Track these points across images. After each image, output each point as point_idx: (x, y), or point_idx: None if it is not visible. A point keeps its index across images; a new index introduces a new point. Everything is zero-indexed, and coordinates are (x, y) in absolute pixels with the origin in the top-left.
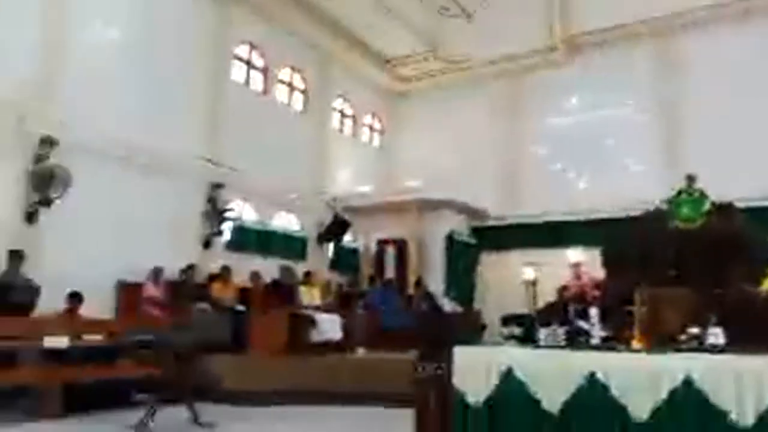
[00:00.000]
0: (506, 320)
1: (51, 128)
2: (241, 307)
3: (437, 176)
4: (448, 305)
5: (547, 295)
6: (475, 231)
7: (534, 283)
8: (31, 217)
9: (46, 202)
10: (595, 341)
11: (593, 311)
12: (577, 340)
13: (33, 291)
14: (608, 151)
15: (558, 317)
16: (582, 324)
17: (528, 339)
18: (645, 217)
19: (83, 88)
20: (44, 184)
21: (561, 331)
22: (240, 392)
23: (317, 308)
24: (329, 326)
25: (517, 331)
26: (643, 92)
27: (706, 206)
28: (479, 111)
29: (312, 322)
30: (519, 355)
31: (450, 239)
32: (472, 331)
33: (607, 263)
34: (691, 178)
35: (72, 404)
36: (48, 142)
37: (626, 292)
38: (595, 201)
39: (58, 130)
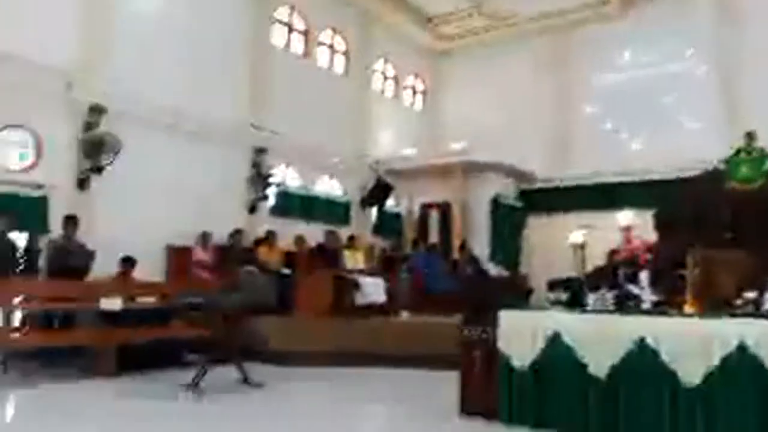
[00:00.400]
0: (553, 285)
1: (99, 96)
2: (286, 271)
3: (482, 138)
4: (493, 269)
5: (596, 258)
6: (522, 194)
7: (582, 246)
8: (83, 183)
9: (97, 169)
10: (645, 306)
11: (644, 275)
12: (626, 304)
13: (88, 255)
14: (663, 108)
15: (607, 281)
16: (632, 288)
17: (575, 303)
18: (700, 178)
19: (129, 56)
20: (95, 151)
21: (610, 295)
22: (286, 353)
23: (361, 272)
24: (373, 289)
25: (564, 295)
26: (700, 45)
27: (767, 166)
28: (525, 69)
29: (356, 286)
30: (566, 320)
31: (495, 202)
32: (517, 295)
33: (659, 226)
34: (750, 136)
35: (126, 363)
36: (97, 110)
37: (679, 255)
38: (649, 161)
39: (106, 98)
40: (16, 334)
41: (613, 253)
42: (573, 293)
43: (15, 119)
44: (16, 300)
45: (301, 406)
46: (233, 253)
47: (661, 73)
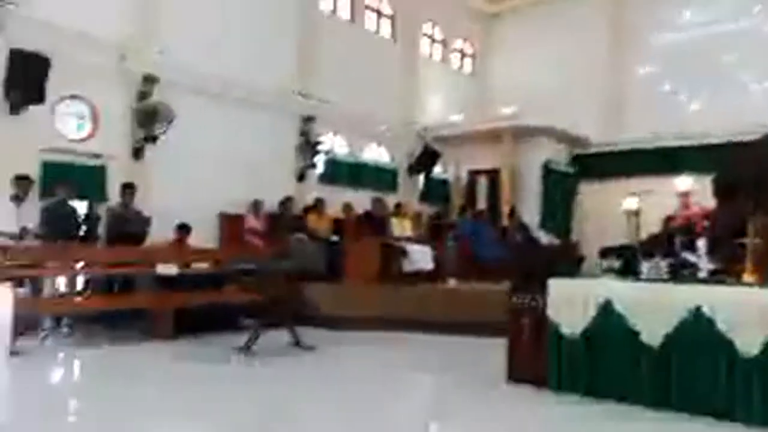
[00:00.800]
0: (605, 252)
1: (151, 67)
2: (335, 238)
3: (533, 102)
4: (543, 237)
5: (650, 225)
6: (574, 159)
7: (637, 213)
8: (138, 152)
9: (152, 138)
10: (702, 274)
11: (701, 243)
12: (681, 273)
13: (145, 222)
14: (724, 68)
15: (662, 249)
16: (688, 256)
17: (628, 271)
18: (762, 141)
19: (179, 26)
20: (148, 120)
21: (664, 263)
22: (336, 318)
23: (408, 239)
24: (420, 257)
25: (616, 263)
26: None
27: None
28: (579, 30)
29: (403, 253)
30: (618, 288)
31: (546, 168)
32: (568, 263)
33: (718, 192)
34: None
35: (182, 327)
36: (150, 80)
37: (738, 222)
38: (708, 124)
39: (158, 68)
40: (80, 299)
41: (668, 219)
42: (626, 261)
43: (73, 91)
44: (79, 266)
45: (351, 370)
46: (283, 221)
47: (724, 31)
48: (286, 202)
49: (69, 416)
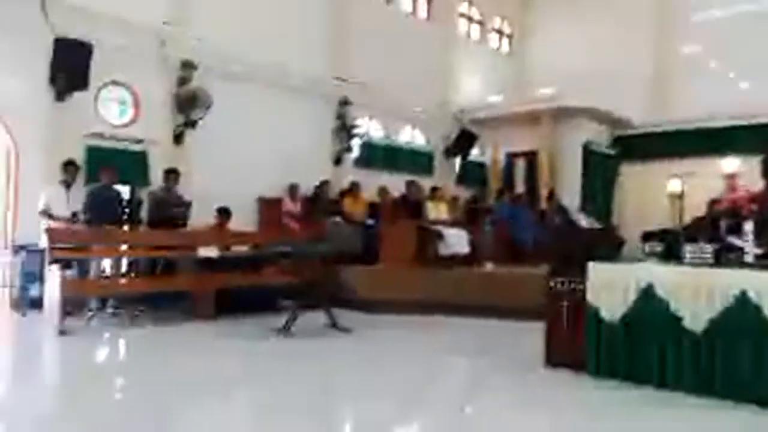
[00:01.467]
0: (647, 236)
1: (189, 52)
2: (370, 221)
3: (573, 82)
4: (583, 220)
5: (694, 209)
6: (616, 140)
7: (680, 196)
8: (178, 138)
9: (191, 124)
10: (748, 259)
11: (748, 226)
12: (726, 257)
13: (186, 206)
14: None
15: (706, 233)
16: (734, 240)
17: (671, 256)
18: None
19: (216, 11)
20: (188, 106)
21: (709, 247)
22: (372, 301)
23: (444, 223)
24: (456, 240)
25: (658, 247)
26: None
27: None
28: (621, 8)
29: (439, 236)
30: (661, 272)
31: (587, 150)
32: (609, 247)
33: (767, 173)
34: None
35: (223, 308)
36: (188, 66)
37: None
38: (757, 104)
39: (196, 53)
40: (124, 281)
41: (714, 202)
42: (668, 245)
43: (114, 77)
44: (123, 248)
45: (388, 352)
46: (320, 204)
47: None
48: (323, 185)
49: (116, 391)
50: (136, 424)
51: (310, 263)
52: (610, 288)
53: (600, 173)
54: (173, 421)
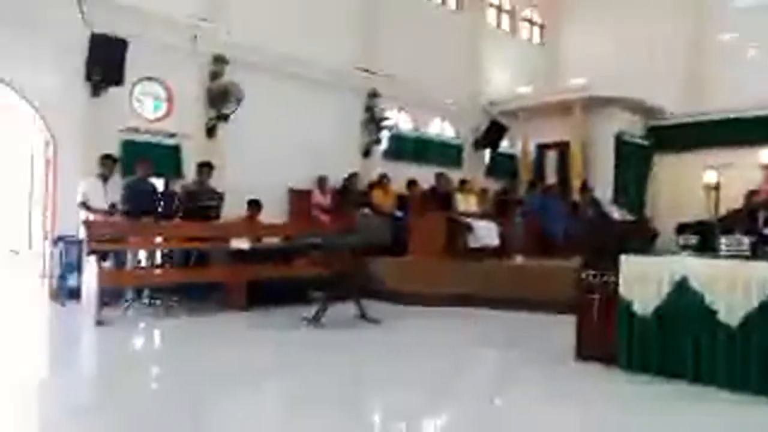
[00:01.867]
0: (682, 228)
1: (221, 47)
2: (399, 214)
3: (605, 72)
4: (615, 212)
5: (731, 201)
6: (649, 131)
7: (716, 187)
8: (211, 131)
9: (224, 117)
10: None
11: None
12: (763, 250)
13: (219, 198)
14: None
15: (743, 225)
16: None
17: (706, 248)
18: None
19: (246, 6)
20: (220, 100)
21: (746, 239)
22: (401, 292)
23: (473, 215)
24: (486, 232)
25: (693, 239)
26: None
27: None
28: None
29: (468, 228)
30: (695, 265)
31: (619, 140)
32: (642, 239)
33: None
34: None
35: (255, 299)
36: (220, 60)
37: None
38: None
39: (227, 48)
40: (159, 271)
41: (752, 194)
42: (703, 237)
43: (148, 72)
44: (158, 240)
45: (417, 343)
46: (349, 197)
47: None
48: (351, 177)
49: (151, 381)
50: (171, 413)
51: (340, 255)
52: (643, 281)
53: (633, 164)
54: (207, 410)
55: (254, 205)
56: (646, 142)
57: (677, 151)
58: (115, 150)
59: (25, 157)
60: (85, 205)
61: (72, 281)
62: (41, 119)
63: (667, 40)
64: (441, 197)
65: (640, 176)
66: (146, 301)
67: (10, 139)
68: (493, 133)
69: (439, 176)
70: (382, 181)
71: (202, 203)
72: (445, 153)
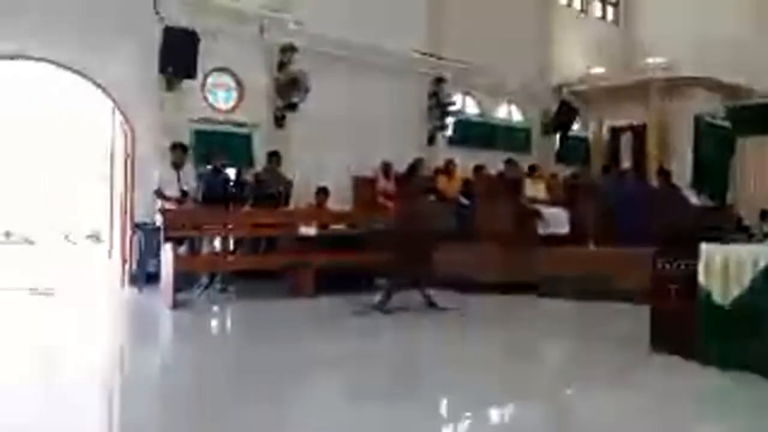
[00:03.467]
0: (766, 214)
1: (288, 37)
2: (465, 201)
3: (685, 51)
4: (695, 197)
5: None
6: (733, 112)
7: None
8: (279, 121)
9: (292, 107)
10: None
11: None
12: None
13: (287, 186)
14: None
15: None
16: None
17: None
18: None
19: None
20: (288, 89)
21: None
22: (467, 280)
23: (543, 201)
24: (556, 220)
25: None
26: None
27: None
28: None
29: (537, 215)
30: None
31: (699, 122)
32: (723, 226)
33: None
34: None
35: (322, 285)
36: (288, 50)
37: None
38: None
39: (294, 37)
40: (230, 257)
41: None
42: None
43: (219, 63)
44: (230, 227)
45: (486, 332)
46: (414, 183)
47: None
48: (416, 163)
49: (223, 364)
50: (241, 396)
51: (405, 242)
52: (724, 270)
53: (714, 147)
54: (276, 394)
55: (322, 193)
56: (728, 124)
57: (763, 133)
58: (188, 140)
59: (105, 148)
60: (159, 193)
61: (150, 267)
62: (120, 112)
63: (753, 12)
64: (509, 184)
65: (721, 160)
66: (219, 286)
67: (91, 131)
68: (564, 116)
69: (507, 162)
70: (448, 167)
71: (271, 191)
72: (512, 138)
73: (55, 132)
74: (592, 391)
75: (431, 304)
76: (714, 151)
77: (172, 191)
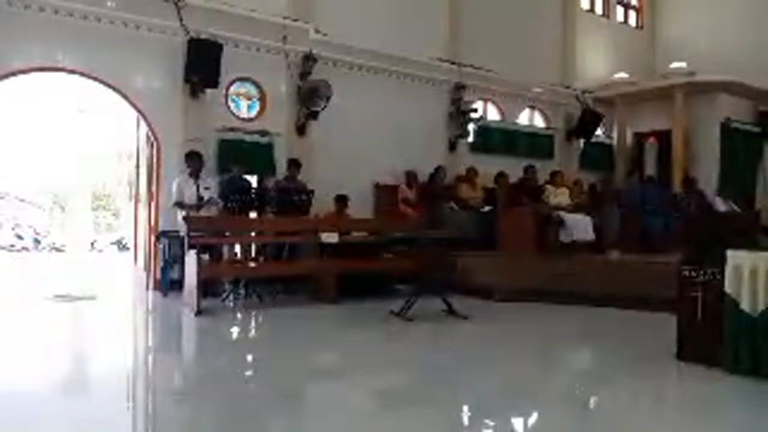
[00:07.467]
0: None
1: (309, 45)
2: (487, 207)
3: (710, 55)
4: (721, 204)
5: None
6: (761, 116)
7: None
8: (301, 129)
9: (313, 115)
10: None
11: None
12: None
13: (308, 193)
14: None
15: None
16: None
17: None
18: None
19: (333, 4)
20: (310, 98)
21: None
22: (490, 287)
23: (565, 209)
24: (579, 226)
25: None
26: None
27: None
28: None
29: (560, 222)
30: None
31: (726, 127)
32: (750, 233)
33: None
34: None
35: (343, 291)
36: (309, 59)
37: None
38: None
39: (316, 46)
40: (253, 264)
41: None
42: None
43: (242, 73)
44: (251, 234)
45: (508, 340)
46: (435, 191)
47: None
48: (438, 171)
49: (246, 369)
50: (262, 402)
51: (427, 249)
52: (752, 278)
53: (741, 153)
54: (297, 399)
55: (341, 200)
56: (756, 129)
57: None
58: (212, 149)
59: (130, 157)
60: (179, 204)
61: (174, 273)
62: (145, 121)
63: None
64: (530, 190)
65: (748, 166)
66: (242, 292)
67: (117, 140)
68: (587, 122)
69: (528, 169)
70: (469, 175)
71: (292, 198)
72: (535, 144)
73: (82, 140)
74: (615, 399)
75: (452, 312)
76: (741, 157)
77: (192, 199)
